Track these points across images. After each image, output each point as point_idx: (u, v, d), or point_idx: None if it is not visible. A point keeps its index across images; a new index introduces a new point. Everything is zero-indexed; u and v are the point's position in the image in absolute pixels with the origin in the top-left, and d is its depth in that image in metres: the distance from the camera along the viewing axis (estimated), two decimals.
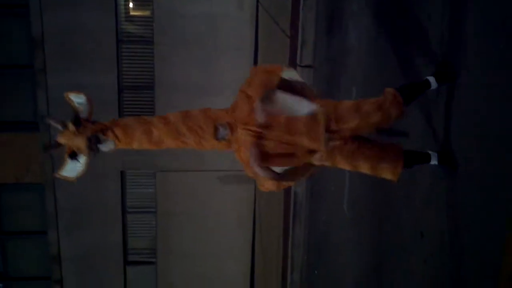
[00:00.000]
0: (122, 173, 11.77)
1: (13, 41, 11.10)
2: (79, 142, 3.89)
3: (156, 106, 11.34)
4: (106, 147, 3.99)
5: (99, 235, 11.91)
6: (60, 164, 4.05)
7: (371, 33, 6.12)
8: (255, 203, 12.04)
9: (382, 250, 5.73)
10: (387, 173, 4.16)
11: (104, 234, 11.94)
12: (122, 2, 11.09)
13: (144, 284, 12.54)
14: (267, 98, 3.82)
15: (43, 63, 10.86)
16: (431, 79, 4.24)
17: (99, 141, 3.94)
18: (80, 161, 4.01)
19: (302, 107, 3.85)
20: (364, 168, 4.12)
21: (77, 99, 3.95)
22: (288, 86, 3.97)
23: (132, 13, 11.36)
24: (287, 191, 8.96)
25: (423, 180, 4.71)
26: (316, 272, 8.29)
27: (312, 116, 3.83)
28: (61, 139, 3.93)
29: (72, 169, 4.06)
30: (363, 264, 6.31)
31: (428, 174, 4.62)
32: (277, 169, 3.93)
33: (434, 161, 4.28)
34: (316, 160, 3.91)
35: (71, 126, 3.88)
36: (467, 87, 4.04)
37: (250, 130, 3.82)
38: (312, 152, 3.89)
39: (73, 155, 3.93)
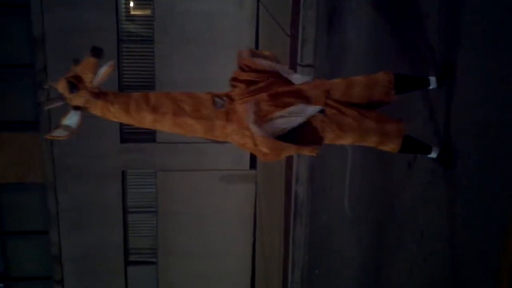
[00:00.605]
0: (123, 173, 11.77)
1: (14, 40, 11.12)
2: (81, 65, 3.77)
3: None
4: (105, 66, 3.82)
5: (100, 235, 11.92)
6: (54, 127, 3.92)
7: (371, 31, 6.12)
8: (255, 202, 12.04)
9: (382, 249, 5.73)
10: (392, 139, 4.09)
11: (105, 234, 11.96)
12: (123, 2, 11.11)
13: (145, 284, 12.55)
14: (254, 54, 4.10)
15: (44, 62, 10.87)
16: (432, 79, 4.25)
17: (101, 51, 3.78)
18: (76, 116, 3.84)
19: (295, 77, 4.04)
20: (371, 130, 4.04)
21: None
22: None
23: (132, 12, 11.37)
24: (288, 190, 8.96)
25: (423, 179, 4.70)
26: (317, 271, 8.28)
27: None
28: (60, 80, 3.80)
29: (67, 126, 3.87)
30: (363, 263, 6.30)
31: (427, 173, 4.61)
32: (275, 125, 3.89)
33: (433, 155, 4.26)
34: (317, 122, 3.92)
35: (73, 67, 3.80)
36: (467, 86, 4.03)
37: (246, 96, 3.93)
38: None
39: (73, 85, 3.73)
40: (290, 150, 3.97)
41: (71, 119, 3.84)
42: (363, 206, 6.31)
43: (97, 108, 3.87)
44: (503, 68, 3.61)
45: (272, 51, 4.28)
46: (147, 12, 11.29)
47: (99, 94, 3.84)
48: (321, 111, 3.96)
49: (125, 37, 11.22)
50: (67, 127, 3.87)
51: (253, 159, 11.50)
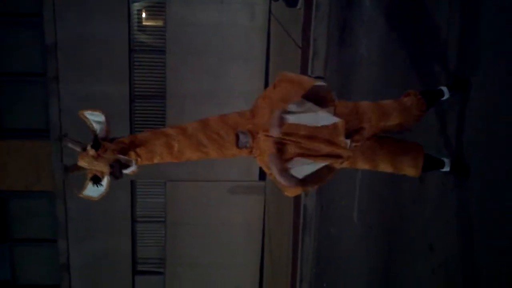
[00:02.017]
0: (132, 183, 11.78)
1: (27, 49, 11.18)
2: (101, 167, 3.75)
3: (167, 115, 11.37)
4: (129, 169, 3.86)
5: (109, 244, 11.92)
6: (83, 184, 3.91)
7: (383, 43, 6.11)
8: (264, 214, 12.01)
9: (391, 262, 5.69)
10: (408, 168, 4.08)
11: (113, 243, 11.95)
12: (135, 12, 11.16)
13: None
14: (285, 112, 3.75)
15: (56, 71, 10.93)
16: (444, 89, 4.23)
17: (122, 166, 3.80)
18: (103, 184, 3.86)
19: (322, 119, 3.80)
20: (384, 163, 4.03)
21: (94, 117, 3.78)
22: (311, 95, 3.86)
23: (144, 23, 11.42)
24: (297, 203, 8.94)
25: (433, 191, 4.68)
26: (325, 285, 8.24)
27: (333, 125, 3.77)
28: (82, 163, 3.76)
29: (95, 190, 3.91)
30: (372, 276, 6.26)
31: (437, 185, 4.59)
32: (299, 172, 3.87)
33: (446, 168, 4.24)
34: (337, 164, 3.85)
35: (91, 151, 3.70)
36: (480, 97, 4.02)
37: (271, 137, 3.74)
38: (333, 156, 3.82)
39: (96, 180, 3.78)
40: (314, 187, 4.05)
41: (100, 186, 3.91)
42: (373, 219, 6.28)
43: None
44: None
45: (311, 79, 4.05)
46: (159, 23, 11.34)
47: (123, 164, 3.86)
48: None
49: (136, 47, 11.27)
50: (97, 190, 3.94)
51: (262, 170, 11.44)
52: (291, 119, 3.73)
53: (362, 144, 3.94)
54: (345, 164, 3.96)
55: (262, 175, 11.60)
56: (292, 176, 3.79)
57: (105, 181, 3.87)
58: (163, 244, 12.25)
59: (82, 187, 3.92)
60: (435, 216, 4.64)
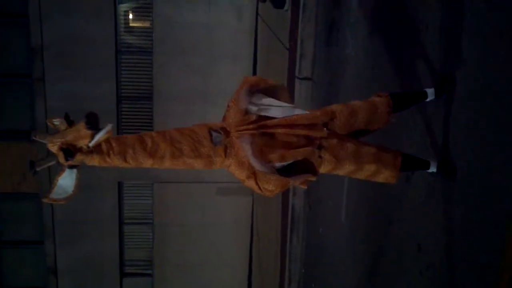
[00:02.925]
0: (120, 184, 11.73)
1: (12, 50, 11.11)
2: (74, 131, 3.55)
3: (154, 116, 11.34)
4: (102, 132, 3.56)
5: (96, 246, 11.86)
6: (49, 188, 3.70)
7: (369, 44, 6.13)
8: (252, 215, 12.01)
9: (379, 262, 5.71)
10: (388, 169, 4.08)
11: (100, 245, 11.89)
12: (122, 13, 11.12)
13: None
14: (252, 92, 3.86)
15: (42, 72, 10.87)
16: (429, 91, 4.26)
17: (97, 117, 3.54)
18: (72, 176, 3.69)
19: (289, 111, 3.87)
20: (368, 160, 4.02)
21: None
22: (274, 94, 3.97)
23: (131, 24, 11.39)
24: (285, 203, 8.94)
25: (420, 192, 4.69)
26: (313, 285, 8.25)
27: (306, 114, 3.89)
28: (51, 141, 3.56)
29: (62, 189, 3.72)
30: (360, 277, 6.27)
31: (424, 186, 4.60)
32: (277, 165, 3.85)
33: (433, 169, 4.26)
34: (314, 155, 3.86)
35: (63, 124, 3.57)
36: (465, 98, 4.04)
37: (242, 130, 3.77)
38: (310, 140, 3.87)
39: (68, 153, 3.52)
40: (291, 184, 3.95)
41: (67, 178, 3.71)
42: (361, 219, 6.30)
43: (93, 161, 3.73)
44: (501, 79, 3.62)
45: (278, 81, 4.19)
46: (146, 24, 11.31)
47: (93, 149, 3.66)
48: (318, 147, 3.91)
49: (123, 48, 11.23)
50: (64, 189, 3.74)
51: None
52: (254, 110, 3.81)
53: (341, 144, 3.96)
54: (330, 165, 3.97)
55: None
56: (269, 165, 3.79)
57: (73, 176, 3.71)
58: (151, 246, 12.21)
59: (48, 191, 3.71)
60: (423, 217, 4.66)
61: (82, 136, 3.54)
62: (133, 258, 12.37)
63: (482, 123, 3.81)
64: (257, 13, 11.07)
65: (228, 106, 3.91)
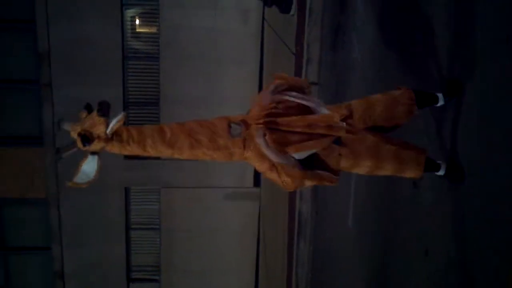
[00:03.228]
0: (126, 189, 11.74)
1: (20, 55, 11.15)
2: (90, 119, 3.75)
3: (161, 121, 11.35)
4: (116, 119, 3.78)
5: (103, 252, 11.86)
6: (73, 173, 3.91)
7: (376, 48, 6.12)
8: (259, 220, 11.99)
9: (387, 266, 5.68)
10: (411, 167, 4.05)
11: (107, 251, 11.89)
12: (129, 19, 11.15)
13: None
14: (278, 88, 3.87)
15: (49, 77, 10.90)
16: (439, 95, 4.25)
17: (109, 105, 3.77)
18: (94, 161, 3.87)
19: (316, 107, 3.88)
20: (388, 158, 3.99)
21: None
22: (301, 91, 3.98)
23: (138, 29, 11.42)
24: (292, 208, 8.92)
25: (427, 196, 4.68)
26: None
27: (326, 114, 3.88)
28: (73, 129, 3.78)
29: (85, 174, 3.91)
30: (367, 282, 6.25)
31: (432, 190, 4.59)
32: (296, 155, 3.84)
33: (441, 172, 4.24)
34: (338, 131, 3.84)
35: (83, 113, 3.80)
36: (473, 102, 4.03)
37: (263, 123, 3.80)
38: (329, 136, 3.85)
39: (85, 139, 3.72)
40: (313, 179, 3.93)
41: (90, 164, 3.89)
42: (368, 224, 6.27)
43: (114, 148, 3.89)
44: (508, 83, 3.61)
45: (304, 79, 4.21)
46: (153, 29, 11.34)
47: (113, 137, 3.83)
48: (338, 142, 3.91)
49: (130, 53, 11.26)
50: (87, 174, 3.91)
51: (257, 177, 11.46)
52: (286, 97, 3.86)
53: (362, 138, 3.94)
54: (348, 161, 3.94)
55: (257, 181, 11.59)
56: (291, 156, 3.79)
57: (95, 162, 3.87)
58: (158, 251, 12.20)
59: (72, 176, 3.91)
60: (430, 221, 4.64)
61: (96, 123, 3.73)
62: (140, 263, 12.35)
63: (491, 127, 3.80)
64: (263, 18, 11.08)
65: (252, 103, 3.98)
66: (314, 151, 3.86)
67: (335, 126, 3.82)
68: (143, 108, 11.52)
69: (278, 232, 10.07)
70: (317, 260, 8.42)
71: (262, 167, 3.93)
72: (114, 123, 3.76)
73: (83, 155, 3.89)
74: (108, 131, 3.76)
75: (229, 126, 3.88)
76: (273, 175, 3.90)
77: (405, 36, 5.37)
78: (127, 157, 11.40)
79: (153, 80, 11.41)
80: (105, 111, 3.72)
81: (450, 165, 4.24)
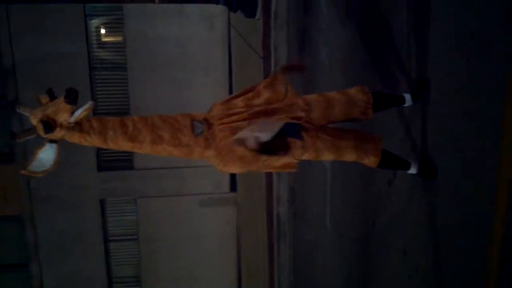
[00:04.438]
0: (102, 201, 11.64)
1: None
2: (55, 105, 3.57)
3: None
4: (82, 108, 3.59)
5: (82, 266, 11.75)
6: (28, 160, 3.73)
7: (343, 50, 6.14)
8: (238, 225, 11.98)
9: (366, 267, 5.71)
10: (370, 155, 4.09)
11: (87, 264, 11.79)
12: (93, 29, 11.03)
13: None
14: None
15: (16, 93, 10.74)
16: (407, 96, 4.27)
17: (77, 93, 3.54)
18: (52, 150, 3.70)
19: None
20: (349, 149, 4.04)
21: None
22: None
23: (103, 39, 11.31)
24: (270, 212, 8.93)
25: (402, 195, 4.71)
26: None
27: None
28: (34, 114, 3.61)
29: (41, 163, 3.73)
30: (348, 282, 6.28)
31: (406, 189, 4.62)
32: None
33: (413, 170, 4.28)
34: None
35: (44, 98, 3.62)
36: (441, 101, 4.06)
37: (226, 123, 3.84)
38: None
39: (48, 126, 3.55)
40: (272, 160, 3.91)
41: (47, 152, 3.72)
42: (346, 225, 6.30)
43: (73, 138, 3.75)
44: (473, 81, 3.66)
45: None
46: (119, 38, 11.24)
47: (74, 126, 3.69)
48: (299, 137, 3.93)
49: (97, 64, 11.15)
50: (43, 163, 3.74)
51: (233, 181, 11.45)
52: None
53: (321, 132, 3.99)
54: (310, 155, 3.99)
55: (233, 186, 11.58)
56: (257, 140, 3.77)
57: (53, 151, 3.71)
58: (138, 262, 12.12)
59: (27, 163, 3.73)
60: (406, 220, 4.67)
61: (61, 110, 3.57)
62: (120, 275, 12.28)
63: (460, 124, 3.83)
64: (229, 23, 11.05)
65: (214, 104, 3.98)
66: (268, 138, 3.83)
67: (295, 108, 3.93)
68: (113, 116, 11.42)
69: (258, 236, 10.07)
70: (298, 262, 8.44)
71: (219, 165, 3.93)
72: (80, 112, 3.60)
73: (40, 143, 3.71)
74: (72, 120, 3.62)
75: (192, 124, 3.88)
76: (239, 164, 3.87)
77: (371, 38, 5.39)
78: (101, 168, 11.31)
79: (122, 90, 11.32)
80: (73, 99, 3.52)
81: (422, 163, 4.28)
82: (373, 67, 5.32)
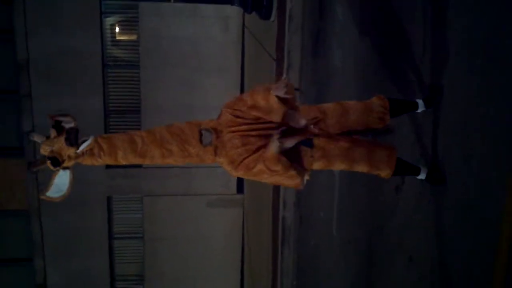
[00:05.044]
0: (109, 199, 11.66)
1: None
2: (59, 142, 3.73)
3: (142, 129, 11.28)
4: (86, 143, 3.79)
5: (86, 262, 11.77)
6: (46, 185, 3.90)
7: (356, 54, 6.12)
8: (243, 226, 11.96)
9: (371, 274, 5.67)
10: (382, 167, 4.08)
11: (91, 261, 11.81)
12: (108, 27, 11.09)
13: None
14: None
15: (29, 88, 10.81)
16: (420, 102, 4.26)
17: (78, 134, 3.76)
18: (66, 176, 3.85)
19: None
20: (361, 161, 4.03)
21: (63, 118, 3.81)
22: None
23: (118, 37, 11.36)
24: (275, 215, 8.90)
25: (410, 201, 4.68)
26: None
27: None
28: (44, 147, 3.76)
29: (58, 188, 3.89)
30: None
31: (414, 195, 4.59)
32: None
33: (422, 176, 4.26)
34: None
35: (52, 132, 3.75)
36: (453, 108, 4.04)
37: (236, 131, 3.81)
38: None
39: (55, 162, 3.72)
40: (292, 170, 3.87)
41: (62, 178, 3.87)
42: (352, 231, 6.27)
43: (86, 161, 3.88)
44: (487, 89, 3.63)
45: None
46: (133, 37, 11.29)
47: (83, 152, 3.82)
48: (310, 145, 3.92)
49: (110, 62, 11.19)
50: (60, 187, 3.89)
51: (240, 183, 11.44)
52: None
53: (334, 142, 3.96)
54: (322, 164, 3.98)
55: (240, 188, 11.57)
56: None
57: (67, 176, 3.85)
58: (142, 260, 12.12)
59: (46, 188, 3.91)
60: (413, 227, 4.64)
61: (65, 148, 3.73)
62: (124, 273, 12.28)
63: (470, 132, 3.81)
64: (243, 25, 11.07)
65: (221, 111, 3.95)
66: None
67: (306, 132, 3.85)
68: (124, 116, 11.45)
69: (262, 239, 10.05)
70: (301, 268, 8.40)
71: (232, 172, 3.94)
72: (84, 147, 3.78)
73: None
74: (78, 152, 3.78)
75: (200, 134, 3.87)
76: (253, 171, 3.86)
77: (385, 43, 5.37)
78: (109, 166, 11.33)
79: (134, 88, 11.36)
80: (72, 140, 3.71)
81: (431, 169, 4.26)
82: (387, 72, 5.30)
